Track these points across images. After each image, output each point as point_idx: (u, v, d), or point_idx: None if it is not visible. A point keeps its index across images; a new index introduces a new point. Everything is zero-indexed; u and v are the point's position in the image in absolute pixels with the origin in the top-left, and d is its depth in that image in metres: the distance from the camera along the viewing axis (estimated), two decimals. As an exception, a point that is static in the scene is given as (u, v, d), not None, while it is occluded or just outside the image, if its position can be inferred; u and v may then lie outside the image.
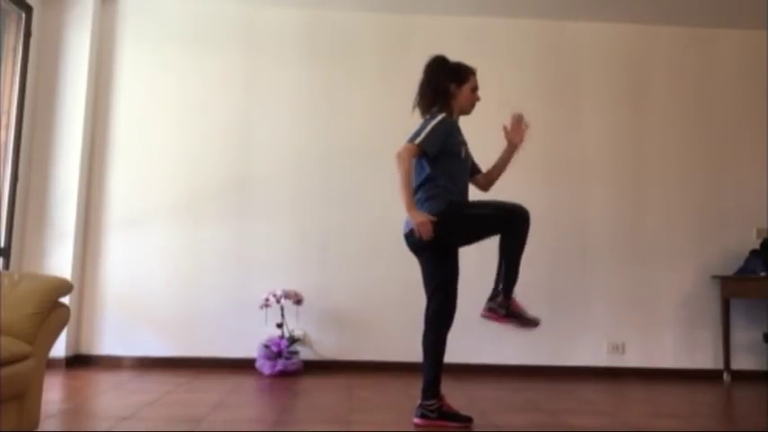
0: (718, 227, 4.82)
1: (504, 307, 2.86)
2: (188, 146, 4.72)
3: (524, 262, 4.57)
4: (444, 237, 2.85)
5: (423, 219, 2.81)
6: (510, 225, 2.86)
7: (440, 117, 2.93)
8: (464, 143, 3.02)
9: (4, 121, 4.27)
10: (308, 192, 4.72)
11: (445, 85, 3.01)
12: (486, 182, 3.24)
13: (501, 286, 2.89)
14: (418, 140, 2.86)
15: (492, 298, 2.90)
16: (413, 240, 2.93)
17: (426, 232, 2.81)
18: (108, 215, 4.64)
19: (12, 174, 4.31)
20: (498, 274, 2.90)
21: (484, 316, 2.91)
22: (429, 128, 2.89)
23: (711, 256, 4.79)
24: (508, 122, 3.18)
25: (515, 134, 3.17)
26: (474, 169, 3.20)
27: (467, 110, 3.09)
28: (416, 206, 2.89)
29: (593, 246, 4.78)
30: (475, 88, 3.08)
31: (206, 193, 4.69)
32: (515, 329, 2.94)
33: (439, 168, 2.92)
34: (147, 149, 4.71)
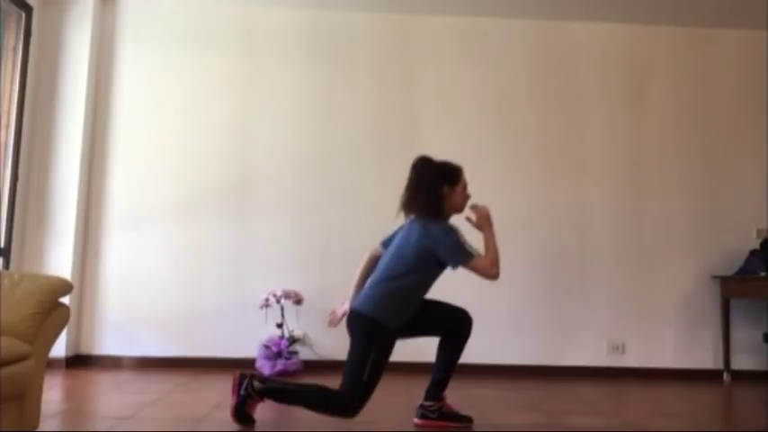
0: (718, 227, 4.82)
1: (255, 392, 2.80)
2: (188, 146, 4.72)
3: (525, 261, 4.62)
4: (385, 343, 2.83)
5: (483, 212, 2.91)
6: (324, 393, 2.85)
7: (452, 227, 2.86)
8: None
9: (4, 121, 4.27)
10: (309, 192, 4.72)
11: (439, 188, 2.92)
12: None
13: (273, 387, 2.84)
14: (474, 254, 2.80)
15: (261, 380, 2.85)
16: (354, 327, 2.87)
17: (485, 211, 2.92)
18: (108, 215, 4.64)
19: (12, 174, 4.31)
20: (284, 383, 2.93)
21: (243, 373, 2.85)
22: (459, 241, 2.81)
23: (711, 256, 4.79)
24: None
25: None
26: None
27: (460, 209, 3.00)
28: (370, 296, 2.86)
29: (593, 246, 4.78)
30: (465, 186, 3.01)
31: (206, 192, 4.69)
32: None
33: (423, 274, 2.88)
34: (147, 149, 4.71)
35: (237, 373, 2.86)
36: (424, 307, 2.95)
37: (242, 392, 2.79)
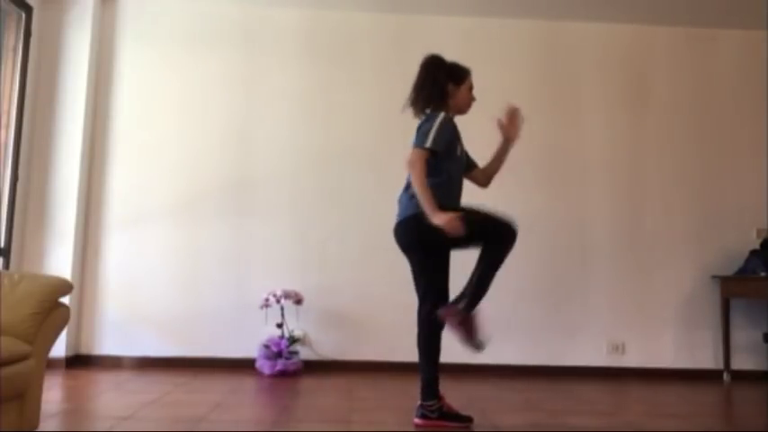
0: (718, 227, 4.82)
1: (460, 315, 2.80)
2: (188, 146, 4.72)
3: (525, 262, 4.61)
4: (432, 237, 2.81)
5: (448, 217, 2.74)
6: (496, 238, 2.81)
7: (442, 116, 2.90)
8: (461, 141, 3.02)
9: (4, 121, 4.27)
10: (308, 191, 4.72)
11: (443, 84, 2.98)
12: (484, 177, 3.22)
13: (466, 296, 2.82)
14: (428, 144, 2.82)
15: (455, 301, 2.84)
16: (400, 237, 2.94)
17: (457, 227, 2.73)
18: (108, 215, 4.64)
19: (12, 174, 4.31)
20: (469, 283, 2.84)
21: (438, 313, 2.85)
22: (435, 128, 2.84)
23: (711, 256, 4.79)
24: (503, 116, 3.14)
25: (511, 129, 3.14)
26: (470, 165, 3.19)
27: (463, 110, 3.07)
28: (409, 202, 2.88)
29: (593, 246, 4.78)
30: (471, 88, 3.06)
31: (206, 192, 4.69)
32: (472, 334, 2.82)
33: (435, 166, 2.90)
34: (146, 149, 4.71)
35: (447, 309, 2.82)
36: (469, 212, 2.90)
37: (460, 322, 2.79)
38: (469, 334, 2.81)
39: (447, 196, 2.91)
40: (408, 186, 2.93)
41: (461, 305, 2.81)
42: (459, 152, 2.98)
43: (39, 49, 4.54)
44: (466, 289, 2.85)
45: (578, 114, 4.90)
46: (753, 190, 4.85)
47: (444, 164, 2.91)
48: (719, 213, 4.84)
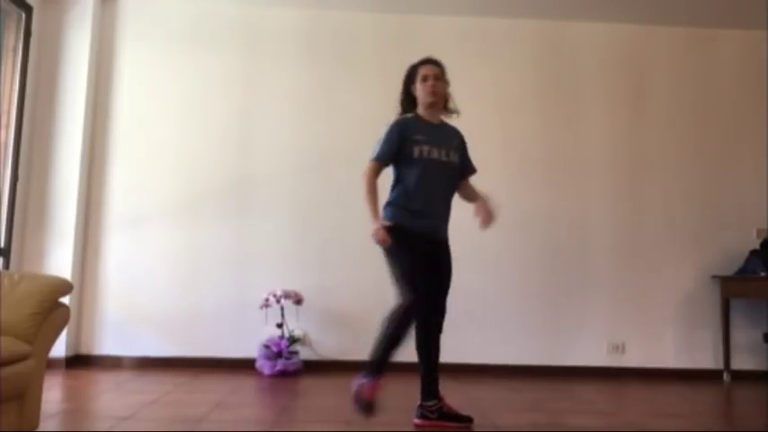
0: (718, 227, 4.82)
1: (359, 381, 2.75)
2: (188, 146, 4.72)
3: (525, 261, 4.62)
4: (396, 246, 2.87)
5: (375, 228, 2.87)
6: (403, 304, 2.80)
7: (392, 122, 2.99)
8: (420, 142, 2.93)
9: (4, 121, 4.27)
10: (308, 191, 4.72)
11: (407, 91, 3.10)
12: (463, 196, 3.17)
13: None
14: (374, 155, 2.95)
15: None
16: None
17: (383, 240, 2.85)
18: (108, 215, 4.64)
19: (12, 174, 4.31)
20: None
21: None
22: (382, 138, 2.96)
23: (711, 256, 4.79)
24: (478, 209, 3.02)
25: (486, 218, 3.01)
26: (465, 168, 3.13)
27: (426, 101, 3.02)
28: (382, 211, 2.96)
29: (593, 245, 4.78)
30: (424, 77, 3.02)
31: (206, 192, 4.69)
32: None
33: (398, 172, 2.99)
34: (146, 149, 4.71)
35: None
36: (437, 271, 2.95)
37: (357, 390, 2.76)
38: (360, 398, 2.72)
39: (410, 205, 2.91)
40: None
41: (362, 375, 2.79)
42: (417, 154, 2.91)
43: (39, 49, 4.54)
44: (372, 360, 2.83)
45: (578, 114, 4.90)
46: (753, 190, 4.85)
47: (401, 170, 2.96)
48: (719, 213, 4.84)
